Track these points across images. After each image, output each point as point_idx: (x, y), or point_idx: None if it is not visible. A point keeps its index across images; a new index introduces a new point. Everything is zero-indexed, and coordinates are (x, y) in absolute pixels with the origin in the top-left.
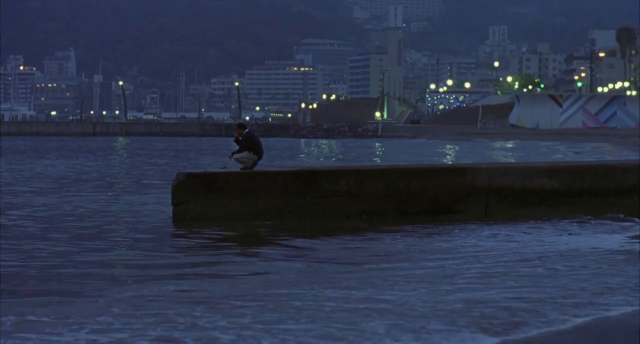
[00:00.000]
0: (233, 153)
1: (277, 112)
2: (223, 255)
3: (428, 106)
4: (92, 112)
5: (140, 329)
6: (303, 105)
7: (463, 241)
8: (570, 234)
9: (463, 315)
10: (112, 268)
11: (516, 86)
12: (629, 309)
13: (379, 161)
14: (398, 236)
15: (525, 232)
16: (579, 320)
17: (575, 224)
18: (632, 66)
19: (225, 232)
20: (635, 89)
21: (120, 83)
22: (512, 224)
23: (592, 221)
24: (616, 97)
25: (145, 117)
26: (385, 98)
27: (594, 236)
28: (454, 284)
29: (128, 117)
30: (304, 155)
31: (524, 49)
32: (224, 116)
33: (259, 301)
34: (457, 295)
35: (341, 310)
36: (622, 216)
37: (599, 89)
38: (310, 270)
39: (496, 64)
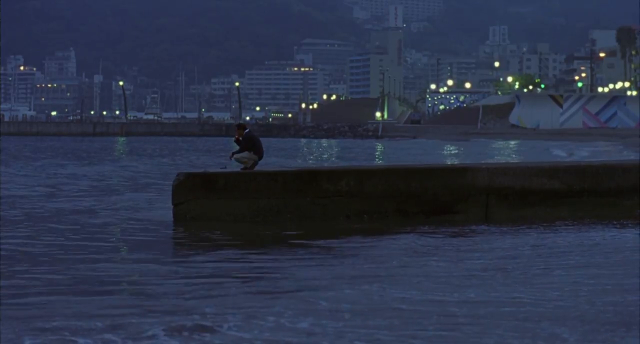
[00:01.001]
0: (233, 153)
1: (277, 112)
2: (243, 255)
3: (428, 106)
4: (92, 112)
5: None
6: (303, 105)
7: (499, 240)
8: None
9: None
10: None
11: (516, 86)
12: None
13: (379, 161)
14: (416, 237)
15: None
16: None
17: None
18: (633, 66)
19: (229, 233)
20: (636, 89)
21: (121, 83)
22: (536, 225)
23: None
24: (616, 97)
25: (145, 117)
26: (386, 98)
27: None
28: (592, 285)
29: (128, 117)
30: (302, 156)
31: (524, 49)
32: (224, 116)
33: (347, 302)
34: (617, 297)
35: (480, 315)
36: None
37: (599, 89)
38: (354, 270)
39: (496, 64)
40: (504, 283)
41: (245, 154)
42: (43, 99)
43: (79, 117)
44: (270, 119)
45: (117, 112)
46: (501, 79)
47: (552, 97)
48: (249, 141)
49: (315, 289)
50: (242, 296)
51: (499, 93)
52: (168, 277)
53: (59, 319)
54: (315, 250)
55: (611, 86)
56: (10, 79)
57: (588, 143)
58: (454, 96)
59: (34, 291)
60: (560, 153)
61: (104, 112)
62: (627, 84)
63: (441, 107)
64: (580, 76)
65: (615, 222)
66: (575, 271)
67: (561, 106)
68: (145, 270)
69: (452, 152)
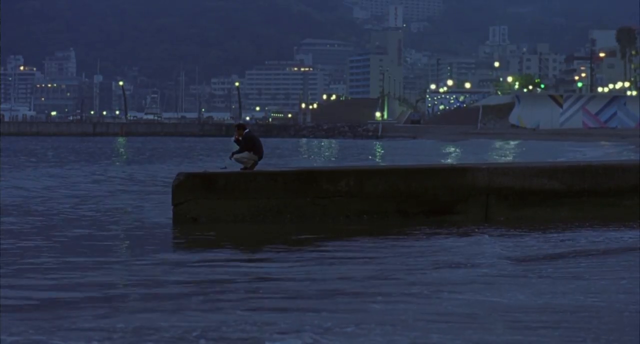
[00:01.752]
0: (233, 153)
1: (277, 112)
2: (246, 255)
3: (428, 106)
4: (92, 112)
5: None
6: (303, 105)
7: (504, 241)
8: None
9: None
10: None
11: (516, 86)
12: None
13: (379, 161)
14: (431, 238)
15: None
16: None
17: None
18: (633, 66)
19: (229, 233)
20: (636, 89)
21: (121, 83)
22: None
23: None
24: (616, 97)
25: (145, 117)
26: (386, 98)
27: None
28: None
29: (128, 118)
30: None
31: (524, 49)
32: (224, 116)
33: (401, 303)
34: None
35: (553, 320)
36: None
37: (599, 89)
38: (365, 272)
39: (496, 64)
40: (544, 286)
41: (245, 154)
42: (43, 99)
43: (79, 117)
44: (270, 119)
45: (117, 112)
46: (501, 79)
47: (552, 97)
48: (249, 141)
49: (351, 292)
50: (273, 300)
51: (499, 93)
52: (170, 279)
53: (76, 323)
54: (321, 251)
55: (611, 86)
56: (10, 79)
57: (591, 143)
58: (454, 96)
59: (37, 292)
60: (585, 152)
61: (104, 112)
62: (627, 84)
63: (441, 107)
64: (580, 76)
65: (616, 223)
66: (611, 274)
67: (561, 106)
68: (145, 271)
69: (452, 152)
